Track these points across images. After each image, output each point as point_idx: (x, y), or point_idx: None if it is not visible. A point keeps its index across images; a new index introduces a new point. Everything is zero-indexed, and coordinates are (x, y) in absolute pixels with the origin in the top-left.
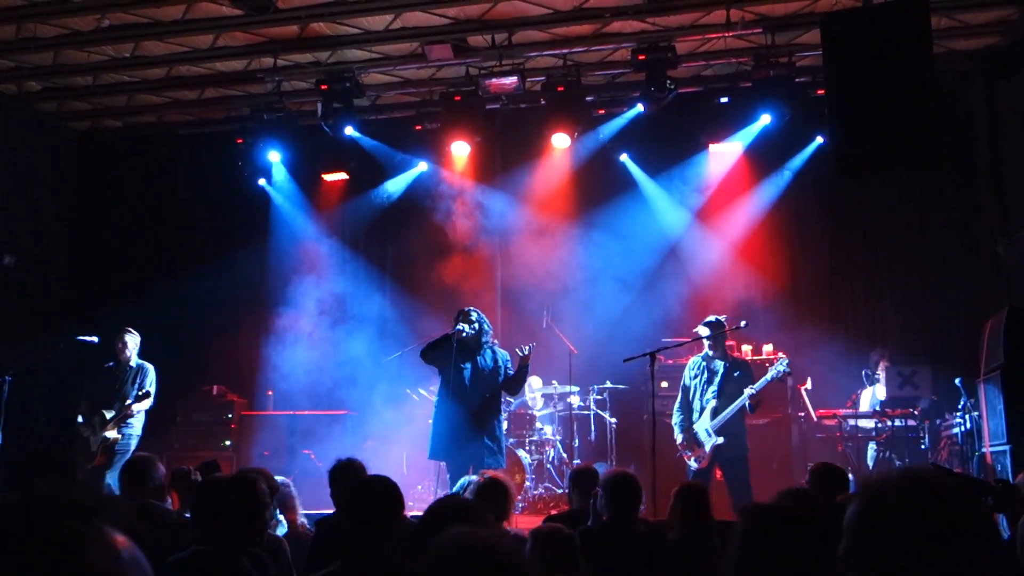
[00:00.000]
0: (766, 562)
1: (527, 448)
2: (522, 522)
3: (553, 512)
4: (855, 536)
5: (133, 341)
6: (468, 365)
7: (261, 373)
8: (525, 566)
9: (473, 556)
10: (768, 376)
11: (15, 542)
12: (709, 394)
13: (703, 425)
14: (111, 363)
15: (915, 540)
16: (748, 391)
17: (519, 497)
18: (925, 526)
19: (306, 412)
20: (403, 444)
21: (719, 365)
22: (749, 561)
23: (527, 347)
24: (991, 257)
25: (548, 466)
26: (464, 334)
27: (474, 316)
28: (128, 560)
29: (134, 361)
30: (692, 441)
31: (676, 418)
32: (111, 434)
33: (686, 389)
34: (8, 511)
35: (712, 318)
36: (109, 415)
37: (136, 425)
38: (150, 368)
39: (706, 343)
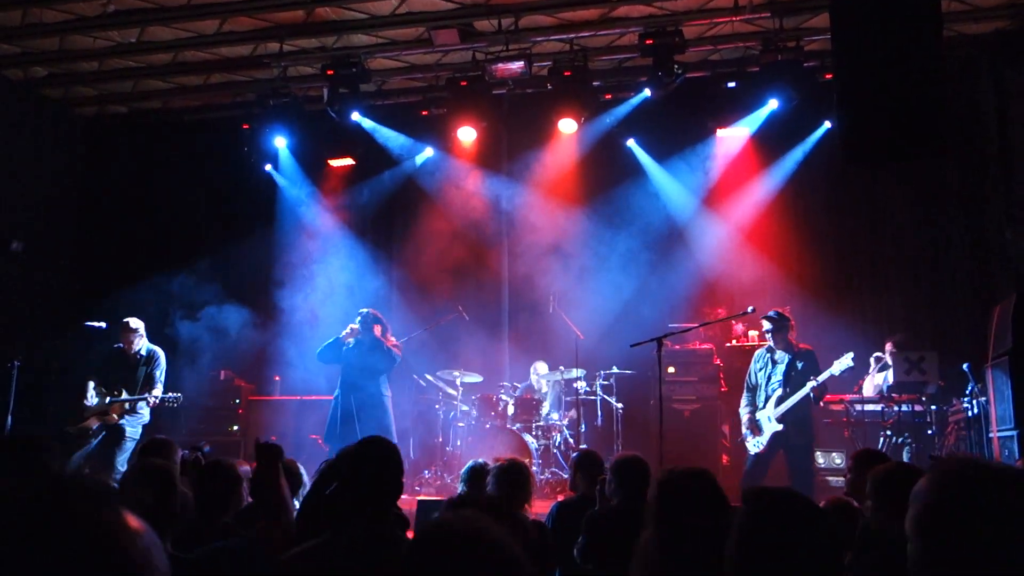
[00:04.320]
0: (767, 547)
1: (533, 433)
2: None
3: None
4: (929, 534)
5: (136, 332)
6: (350, 360)
7: (268, 358)
8: (520, 558)
9: (464, 546)
10: (832, 371)
11: (48, 526)
12: (774, 383)
13: (767, 413)
14: (119, 344)
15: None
16: (811, 383)
17: None
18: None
19: (313, 397)
20: (409, 429)
21: (783, 356)
22: (750, 546)
23: None
24: (999, 243)
25: (555, 451)
26: (344, 335)
27: (360, 316)
28: (148, 544)
29: (144, 348)
30: (755, 426)
31: (743, 404)
32: (115, 415)
33: (752, 380)
34: (36, 495)
35: (773, 312)
36: (124, 396)
37: (144, 413)
38: (160, 354)
39: (768, 336)
